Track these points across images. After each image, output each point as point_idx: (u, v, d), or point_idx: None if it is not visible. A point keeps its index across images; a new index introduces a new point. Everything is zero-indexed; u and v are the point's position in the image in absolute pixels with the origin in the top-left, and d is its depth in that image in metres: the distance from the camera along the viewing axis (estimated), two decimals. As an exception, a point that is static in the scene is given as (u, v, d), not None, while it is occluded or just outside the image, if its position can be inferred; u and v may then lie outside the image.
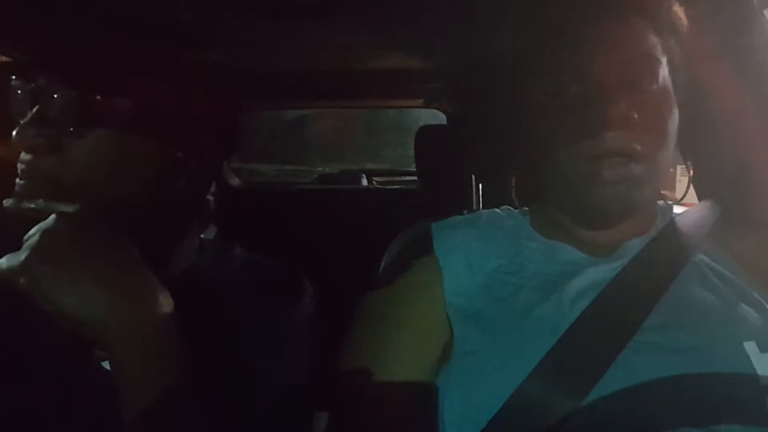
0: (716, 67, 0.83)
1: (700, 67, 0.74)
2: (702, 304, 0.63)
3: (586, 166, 0.62)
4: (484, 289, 0.67)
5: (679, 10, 0.68)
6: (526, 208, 0.78)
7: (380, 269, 0.85)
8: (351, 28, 1.35)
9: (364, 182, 3.00)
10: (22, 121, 0.59)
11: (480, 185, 1.82)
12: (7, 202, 0.58)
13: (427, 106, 2.29)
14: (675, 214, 0.73)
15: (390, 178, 3.20)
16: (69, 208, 0.54)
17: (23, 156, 0.60)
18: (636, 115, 0.60)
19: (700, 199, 0.79)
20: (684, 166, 0.78)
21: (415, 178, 2.48)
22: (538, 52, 0.67)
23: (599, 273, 0.65)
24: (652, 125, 0.63)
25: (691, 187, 0.78)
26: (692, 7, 0.69)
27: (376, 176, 3.17)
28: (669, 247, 0.67)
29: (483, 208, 0.83)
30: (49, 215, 0.53)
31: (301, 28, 1.31)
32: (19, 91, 0.61)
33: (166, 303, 0.55)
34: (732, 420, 0.55)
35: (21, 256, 0.51)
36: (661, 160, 0.64)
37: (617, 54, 0.63)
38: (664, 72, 0.65)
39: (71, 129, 0.59)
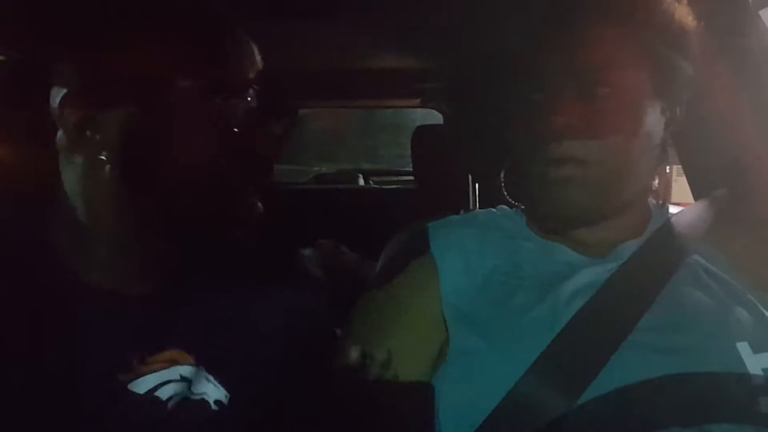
0: (712, 68, 0.83)
1: (695, 68, 0.75)
2: (696, 305, 0.63)
3: (539, 171, 0.65)
4: (480, 289, 0.67)
5: (677, 10, 0.67)
6: (523, 208, 0.78)
7: (377, 269, 0.85)
8: (347, 28, 1.35)
9: (361, 182, 3.00)
10: None
11: (476, 185, 1.82)
12: None
13: (423, 105, 2.29)
14: (670, 214, 0.73)
15: (387, 178, 3.20)
16: None
17: None
18: (584, 123, 0.61)
19: (695, 198, 0.79)
20: (680, 166, 0.78)
21: (411, 177, 2.48)
22: (516, 56, 0.68)
23: (594, 274, 0.65)
24: (605, 133, 0.63)
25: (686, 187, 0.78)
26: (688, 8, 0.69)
27: (372, 176, 3.17)
28: (663, 249, 0.67)
29: (479, 208, 0.83)
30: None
31: (297, 27, 1.31)
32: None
33: None
34: (724, 420, 0.55)
35: None
36: (619, 166, 0.64)
37: (574, 61, 0.63)
38: (629, 78, 0.65)
39: None
